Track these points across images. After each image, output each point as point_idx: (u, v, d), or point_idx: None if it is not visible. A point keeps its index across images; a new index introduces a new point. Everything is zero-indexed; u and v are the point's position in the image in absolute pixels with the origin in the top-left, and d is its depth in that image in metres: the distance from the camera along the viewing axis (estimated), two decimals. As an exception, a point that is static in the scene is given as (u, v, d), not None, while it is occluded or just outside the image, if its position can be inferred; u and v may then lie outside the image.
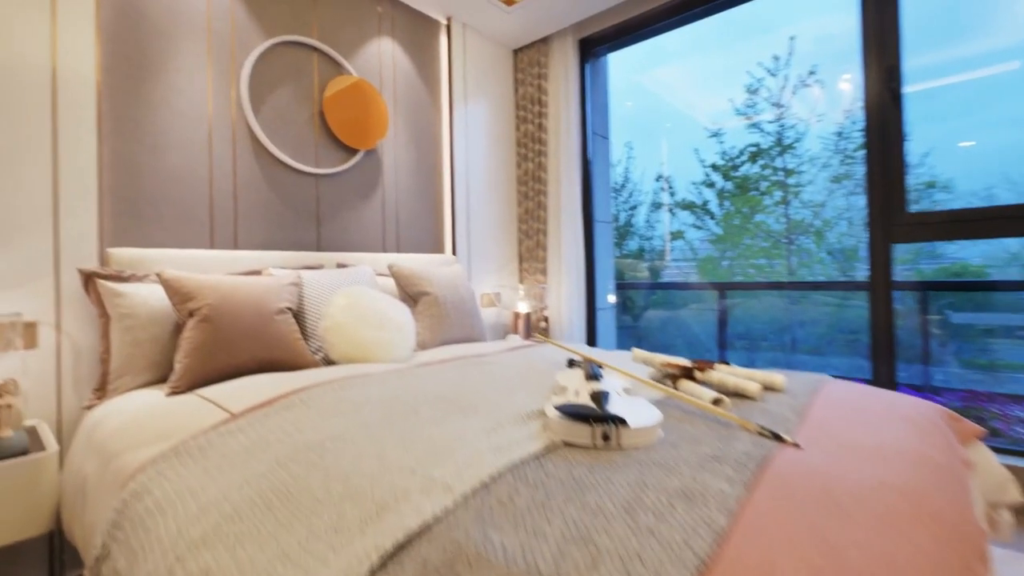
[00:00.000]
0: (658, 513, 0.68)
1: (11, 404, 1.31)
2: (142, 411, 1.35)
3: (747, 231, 5.36)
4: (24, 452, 1.33)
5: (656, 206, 6.25)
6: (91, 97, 1.72)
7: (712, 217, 5.68)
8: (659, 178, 6.25)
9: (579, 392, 1.12)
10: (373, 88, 2.56)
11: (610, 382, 1.19)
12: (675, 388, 1.28)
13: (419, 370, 1.44)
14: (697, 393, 1.19)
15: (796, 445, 0.92)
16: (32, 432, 1.50)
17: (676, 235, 6.03)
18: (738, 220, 5.46)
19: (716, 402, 1.14)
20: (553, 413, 0.98)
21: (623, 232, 6.42)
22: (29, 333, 1.58)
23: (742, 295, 4.97)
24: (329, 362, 1.82)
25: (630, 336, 5.12)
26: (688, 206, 5.83)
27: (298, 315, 1.88)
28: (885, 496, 0.75)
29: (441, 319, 2.17)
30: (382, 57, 2.69)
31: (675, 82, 6.41)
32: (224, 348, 1.56)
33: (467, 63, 3.08)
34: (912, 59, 2.29)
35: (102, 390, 1.59)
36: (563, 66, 3.18)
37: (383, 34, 2.69)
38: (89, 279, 1.63)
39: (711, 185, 5.63)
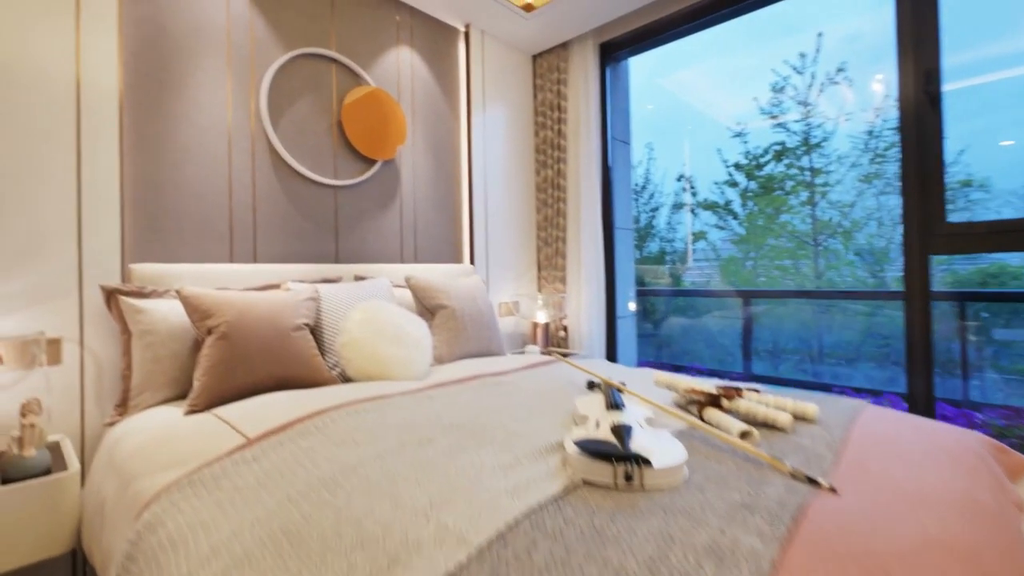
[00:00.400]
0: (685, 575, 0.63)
1: (34, 424, 1.32)
2: (160, 431, 1.35)
3: (771, 231, 5.22)
4: (47, 471, 1.34)
5: (678, 207, 6.14)
6: (113, 114, 1.74)
7: (735, 217, 5.55)
8: (680, 178, 6.14)
9: (600, 423, 1.08)
10: (391, 98, 2.54)
11: (632, 412, 1.15)
12: (700, 417, 1.23)
13: (435, 392, 1.41)
14: (724, 424, 1.13)
15: (832, 490, 0.87)
16: (55, 448, 1.51)
17: (698, 235, 5.92)
18: (762, 220, 5.32)
19: (744, 435, 1.09)
20: (573, 449, 0.94)
21: (644, 234, 6.32)
22: (53, 349, 1.60)
23: (768, 301, 4.84)
24: (346, 378, 1.81)
25: (651, 345, 5.03)
26: (710, 206, 5.71)
27: (316, 330, 1.87)
28: (933, 556, 0.69)
29: (459, 333, 2.15)
30: (400, 66, 2.67)
31: (697, 84, 6.29)
32: (242, 366, 1.56)
33: (485, 70, 3.05)
34: (949, 56, 2.18)
35: (123, 406, 1.60)
36: (583, 71, 3.13)
37: (401, 43, 2.68)
38: (111, 296, 1.64)
39: (734, 185, 5.50)
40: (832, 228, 4.87)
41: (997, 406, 2.99)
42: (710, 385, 1.33)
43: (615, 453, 0.90)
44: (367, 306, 1.85)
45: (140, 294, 1.68)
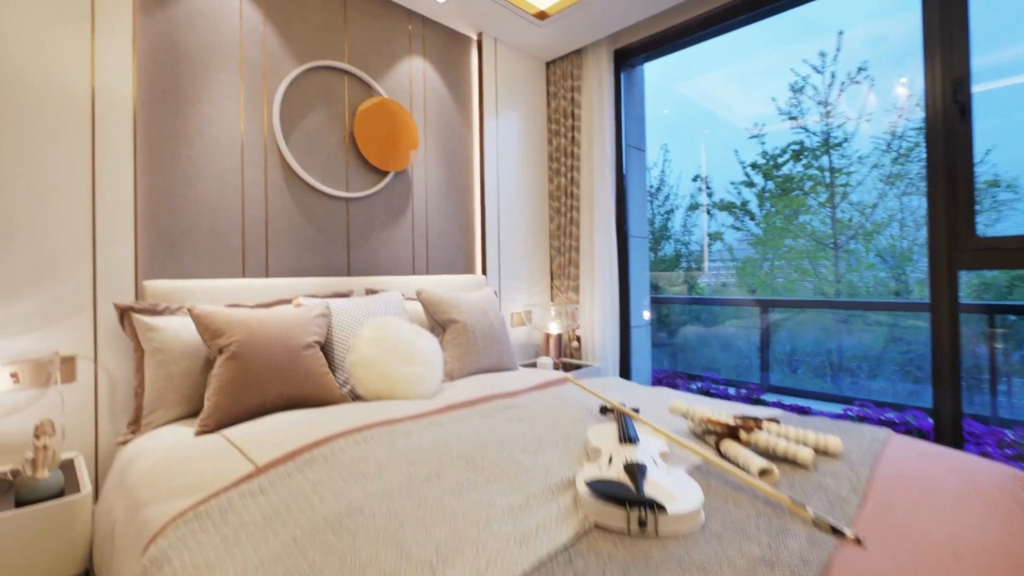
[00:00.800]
0: (702, 646, 0.60)
1: (47, 445, 1.33)
2: (170, 453, 1.35)
3: (789, 232, 5.12)
4: (60, 492, 1.35)
5: (693, 207, 6.05)
6: (127, 131, 1.74)
7: (752, 218, 5.46)
8: (696, 178, 6.05)
9: (613, 459, 1.04)
10: (403, 109, 2.53)
11: (646, 445, 1.11)
12: (718, 449, 1.19)
13: (444, 417, 1.39)
14: (743, 459, 1.09)
15: (858, 541, 0.82)
16: (69, 466, 1.52)
17: (715, 236, 5.83)
18: (779, 221, 5.21)
19: (764, 473, 1.04)
20: (584, 490, 0.91)
21: (659, 236, 6.24)
22: (68, 367, 1.61)
23: (787, 308, 4.75)
24: (356, 396, 1.80)
25: (666, 355, 4.95)
26: (727, 207, 5.62)
27: (326, 346, 1.87)
28: (969, 626, 0.65)
29: (469, 348, 2.12)
30: (412, 76, 2.66)
31: (714, 86, 6.19)
32: (252, 386, 1.56)
33: (498, 77, 3.02)
34: (978, 57, 2.09)
35: (136, 424, 1.61)
36: (597, 78, 3.08)
37: (414, 53, 2.67)
38: (125, 313, 1.65)
39: (751, 185, 5.40)
40: (853, 229, 4.76)
41: (1028, 423, 2.88)
42: (727, 414, 1.29)
43: (628, 497, 0.87)
44: (377, 323, 1.84)
45: (153, 311, 1.69)
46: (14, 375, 1.47)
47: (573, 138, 3.22)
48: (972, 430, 2.69)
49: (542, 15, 2.77)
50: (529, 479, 1.03)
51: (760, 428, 1.21)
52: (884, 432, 1.34)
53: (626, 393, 1.73)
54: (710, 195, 5.92)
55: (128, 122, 1.75)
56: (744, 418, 1.25)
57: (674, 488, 0.93)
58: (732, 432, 1.20)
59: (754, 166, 5.36)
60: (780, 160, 5.20)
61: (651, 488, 0.92)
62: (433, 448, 1.17)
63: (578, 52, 3.19)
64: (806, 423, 1.40)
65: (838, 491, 0.99)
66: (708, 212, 5.96)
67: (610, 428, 1.23)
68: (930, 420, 2.72)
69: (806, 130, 5.04)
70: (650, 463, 1.01)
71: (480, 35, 2.93)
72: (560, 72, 3.29)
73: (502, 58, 3.04)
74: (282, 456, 1.18)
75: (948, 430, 2.19)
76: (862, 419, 2.99)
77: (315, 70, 2.27)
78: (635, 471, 0.96)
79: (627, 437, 1.11)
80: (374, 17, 2.49)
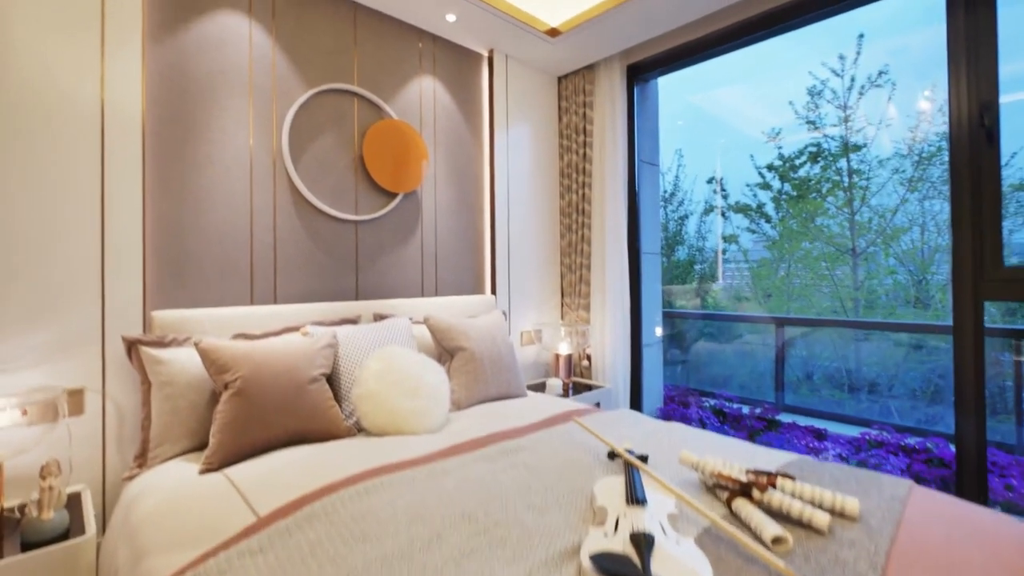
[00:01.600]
0: None
1: (53, 486, 1.33)
2: (173, 495, 1.34)
3: (806, 235, 5.02)
4: (65, 533, 1.35)
5: (708, 210, 5.97)
6: (137, 161, 1.74)
7: (768, 220, 5.36)
8: (711, 180, 5.97)
9: (619, 523, 1.01)
10: (413, 130, 2.51)
11: (654, 507, 1.07)
12: (729, 508, 1.15)
13: (449, 463, 1.36)
14: (756, 523, 1.05)
15: (878, 633, 0.78)
16: (76, 500, 1.53)
17: (729, 239, 5.74)
18: (795, 223, 5.11)
19: (777, 540, 1.00)
20: (588, 564, 0.88)
21: (672, 242, 6.17)
22: (75, 400, 1.62)
23: (802, 334, 4.66)
24: (361, 428, 1.78)
25: (679, 373, 4.87)
26: (742, 209, 5.53)
27: (333, 376, 1.85)
28: None
29: (477, 376, 2.10)
30: (423, 95, 2.64)
31: (730, 95, 6.09)
32: (257, 422, 1.55)
33: (509, 93, 2.99)
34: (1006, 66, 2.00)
35: (142, 457, 1.61)
36: (609, 93, 3.04)
37: (424, 72, 2.64)
38: (132, 346, 1.65)
39: (767, 187, 5.31)
40: (872, 235, 4.65)
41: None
42: (739, 467, 1.24)
43: (634, 577, 0.83)
44: (384, 354, 1.82)
45: (160, 343, 1.69)
46: (23, 411, 1.48)
47: (585, 154, 3.18)
48: (996, 459, 2.60)
49: (554, 32, 2.73)
50: (533, 545, 1.00)
51: (774, 486, 1.16)
52: (904, 486, 1.29)
53: (636, 430, 1.69)
54: (725, 197, 5.84)
55: (137, 152, 1.75)
56: (757, 473, 1.20)
57: (683, 562, 0.89)
58: (745, 490, 1.16)
59: (770, 168, 5.27)
60: (797, 162, 5.10)
61: (658, 563, 0.88)
62: (436, 503, 1.15)
63: (590, 67, 3.15)
64: (822, 474, 1.35)
65: (856, 567, 0.94)
66: (723, 215, 5.88)
67: (617, 482, 1.20)
68: (952, 448, 2.63)
69: (825, 135, 4.94)
70: (658, 530, 0.98)
71: (491, 52, 2.90)
72: (572, 87, 3.24)
73: (513, 74, 3.01)
74: (282, 508, 1.16)
75: (972, 460, 2.12)
76: (880, 444, 2.91)
77: (324, 93, 2.26)
78: (642, 543, 0.92)
79: (635, 498, 1.08)
80: (384, 38, 2.48)
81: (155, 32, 1.82)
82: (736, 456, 1.50)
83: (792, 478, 1.20)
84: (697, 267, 6.22)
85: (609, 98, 3.04)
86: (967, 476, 2.12)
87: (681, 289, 5.90)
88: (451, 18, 2.53)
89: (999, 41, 1.99)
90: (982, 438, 2.11)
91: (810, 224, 4.99)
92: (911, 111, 4.25)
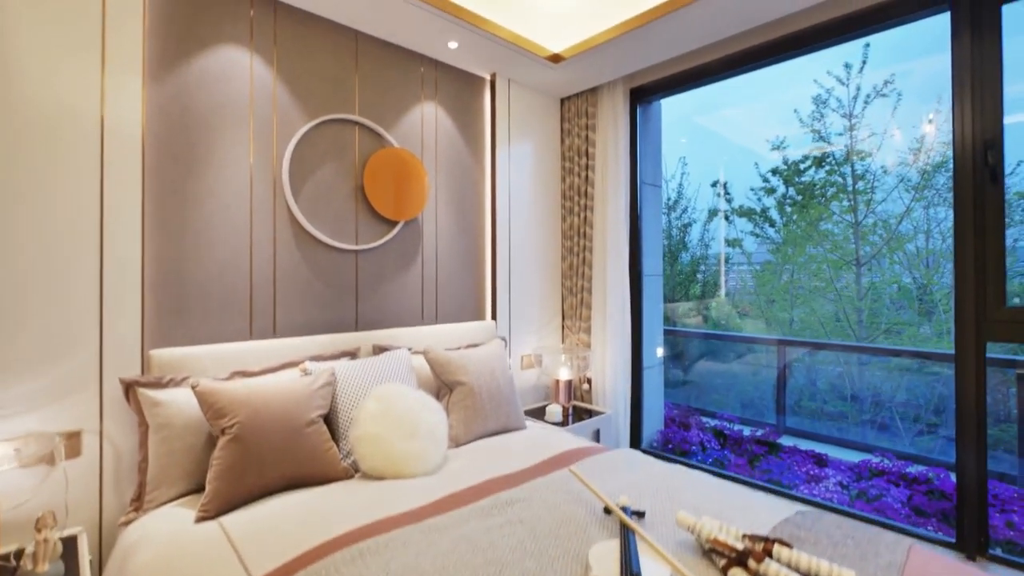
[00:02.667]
0: None
1: (48, 539, 1.33)
2: (168, 549, 1.34)
3: (811, 240, 5.01)
4: (60, 585, 1.35)
5: (712, 214, 5.96)
6: (136, 200, 1.74)
7: (772, 224, 5.36)
8: (715, 184, 5.96)
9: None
10: (414, 157, 2.50)
11: (650, 574, 1.07)
12: (725, 577, 1.14)
13: (443, 520, 1.35)
14: (751, 599, 1.04)
15: None
16: (71, 545, 1.52)
17: (733, 243, 5.74)
18: (800, 228, 5.11)
19: (773, 620, 0.99)
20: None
21: (676, 249, 6.16)
22: (73, 442, 1.62)
23: (806, 337, 4.64)
24: (358, 469, 1.78)
25: (680, 395, 4.86)
26: (746, 213, 5.54)
27: (331, 414, 1.85)
28: None
29: (476, 411, 2.09)
30: (424, 120, 2.63)
31: (734, 115, 6.08)
32: (254, 469, 1.55)
33: (512, 115, 2.98)
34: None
35: (139, 501, 1.61)
36: (612, 116, 3.02)
37: (425, 99, 2.64)
38: (130, 388, 1.65)
39: (771, 191, 5.31)
40: (878, 241, 4.63)
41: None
42: (736, 532, 1.23)
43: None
44: (382, 394, 1.82)
45: (158, 384, 1.69)
46: (17, 451, 1.48)
47: (587, 177, 3.17)
48: (998, 492, 2.58)
49: (556, 58, 2.72)
50: (526, 623, 0.99)
51: (770, 555, 1.15)
52: (902, 549, 1.28)
53: (634, 477, 1.68)
54: (729, 201, 5.84)
55: (137, 189, 1.74)
56: (753, 539, 1.20)
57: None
58: (741, 558, 1.15)
59: (775, 172, 5.27)
60: (802, 167, 5.10)
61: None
62: (430, 568, 1.14)
63: (593, 90, 3.13)
64: (819, 534, 1.34)
65: (852, 653, 0.93)
66: (727, 218, 5.87)
67: (612, 547, 1.19)
68: (952, 480, 2.61)
69: (830, 149, 4.93)
70: (652, 609, 0.97)
71: (493, 75, 2.89)
72: (574, 109, 3.23)
73: (516, 96, 3.00)
74: (277, 569, 1.16)
75: (972, 493, 2.10)
76: (881, 472, 2.89)
77: (325, 123, 2.26)
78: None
79: (629, 571, 1.07)
80: (385, 64, 2.47)
81: (155, 69, 1.82)
82: (735, 506, 1.49)
83: (789, 545, 1.19)
84: (700, 275, 6.21)
85: (612, 121, 3.03)
86: (967, 511, 2.10)
87: (683, 306, 5.88)
88: (453, 45, 2.52)
89: (1004, 74, 1.97)
90: (983, 474, 2.09)
91: (813, 231, 4.99)
92: (915, 135, 4.23)
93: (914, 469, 2.87)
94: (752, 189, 5.48)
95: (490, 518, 1.36)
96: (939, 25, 2.16)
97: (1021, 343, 2.05)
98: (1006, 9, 1.98)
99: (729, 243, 5.87)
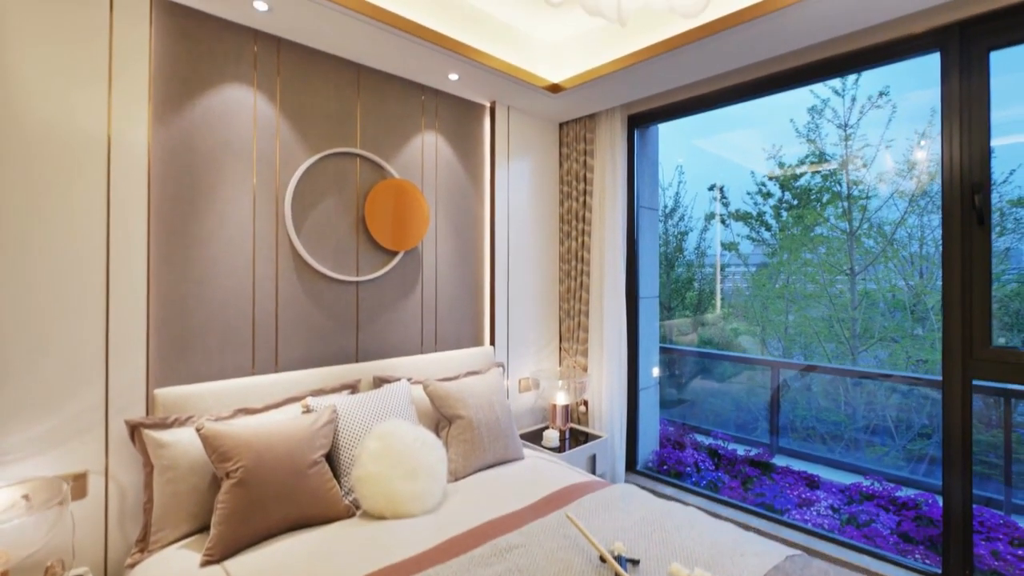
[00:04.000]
0: None
1: (57, 587, 1.36)
2: (176, 597, 1.37)
3: (806, 246, 5.09)
4: (68, 631, 1.38)
5: (709, 217, 6.03)
6: (142, 241, 1.76)
7: (768, 229, 5.44)
8: (712, 187, 6.03)
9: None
10: (414, 188, 2.54)
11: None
12: (717, 634, 1.18)
13: (441, 571, 1.39)
14: (741, 660, 1.08)
15: None
16: (79, 587, 1.56)
17: (730, 247, 5.81)
18: (797, 231, 5.18)
19: None
20: None
21: (672, 259, 6.21)
22: (79, 484, 1.65)
23: (800, 344, 4.70)
24: (359, 507, 1.81)
25: (674, 414, 4.91)
26: (742, 217, 5.61)
27: (332, 451, 1.89)
28: None
29: (475, 445, 2.13)
30: (424, 150, 2.66)
31: (732, 138, 6.17)
32: (258, 512, 1.58)
33: (511, 140, 3.02)
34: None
35: (144, 542, 1.63)
36: (610, 142, 3.06)
37: (426, 128, 2.67)
38: (135, 429, 1.68)
39: (767, 195, 5.39)
40: (871, 252, 4.70)
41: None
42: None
43: None
44: (382, 432, 1.85)
45: (163, 425, 1.71)
46: (26, 498, 1.51)
47: (585, 202, 3.21)
48: (984, 519, 2.64)
49: (555, 88, 2.75)
50: None
51: (761, 612, 1.20)
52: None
53: (630, 519, 1.72)
54: (726, 205, 5.92)
55: (143, 229, 1.77)
56: (745, 594, 1.24)
57: None
58: (732, 615, 1.19)
59: (771, 177, 5.35)
60: (799, 171, 5.18)
61: None
62: (431, 624, 1.18)
63: (591, 116, 3.17)
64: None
65: None
66: (723, 222, 5.95)
67: (609, 602, 1.23)
68: (940, 504, 2.66)
69: (827, 161, 5.01)
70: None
71: (493, 103, 2.93)
72: (573, 134, 3.27)
73: (515, 122, 3.04)
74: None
75: (958, 519, 2.16)
76: (871, 496, 2.95)
77: (327, 157, 2.29)
78: None
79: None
80: (387, 96, 2.50)
81: (160, 112, 1.84)
82: (725, 553, 1.53)
83: (779, 600, 1.23)
84: (696, 284, 6.27)
85: (610, 146, 3.07)
86: (953, 539, 2.16)
87: (680, 323, 5.94)
88: (453, 77, 2.55)
89: (991, 117, 2.02)
90: (968, 498, 2.15)
91: (806, 238, 5.07)
92: (907, 157, 4.30)
93: (904, 493, 2.93)
94: (748, 193, 5.56)
95: (489, 567, 1.40)
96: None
97: (1005, 382, 2.11)
98: (994, 55, 2.03)
99: (725, 247, 5.94)
